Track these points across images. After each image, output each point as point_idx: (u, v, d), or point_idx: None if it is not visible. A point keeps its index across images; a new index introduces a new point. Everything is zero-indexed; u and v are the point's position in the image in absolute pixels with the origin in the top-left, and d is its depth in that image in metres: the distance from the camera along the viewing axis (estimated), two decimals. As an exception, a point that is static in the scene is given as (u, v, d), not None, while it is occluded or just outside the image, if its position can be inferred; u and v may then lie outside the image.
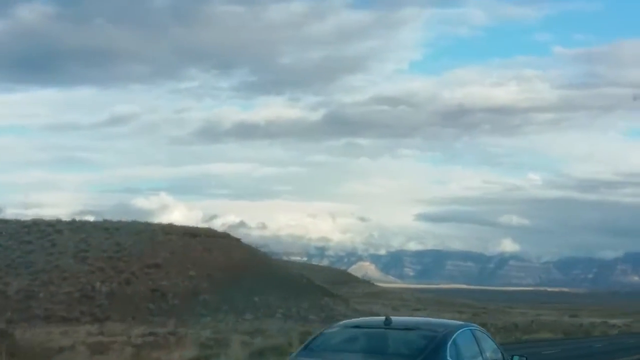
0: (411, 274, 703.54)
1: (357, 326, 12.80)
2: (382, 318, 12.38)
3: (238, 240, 77.13)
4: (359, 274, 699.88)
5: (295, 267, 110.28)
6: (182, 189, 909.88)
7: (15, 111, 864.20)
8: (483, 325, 69.43)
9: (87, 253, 64.54)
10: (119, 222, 72.17)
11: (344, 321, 13.48)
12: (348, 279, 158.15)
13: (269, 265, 74.04)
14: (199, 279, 64.62)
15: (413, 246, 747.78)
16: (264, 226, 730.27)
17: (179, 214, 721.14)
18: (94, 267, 62.93)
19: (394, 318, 12.44)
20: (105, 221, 71.98)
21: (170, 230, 71.07)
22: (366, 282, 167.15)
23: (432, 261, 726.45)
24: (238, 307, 62.51)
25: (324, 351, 11.74)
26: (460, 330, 12.21)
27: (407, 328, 12.48)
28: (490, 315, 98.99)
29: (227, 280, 65.94)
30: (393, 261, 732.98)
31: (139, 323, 55.64)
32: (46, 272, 61.54)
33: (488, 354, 12.52)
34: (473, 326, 12.87)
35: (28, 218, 73.34)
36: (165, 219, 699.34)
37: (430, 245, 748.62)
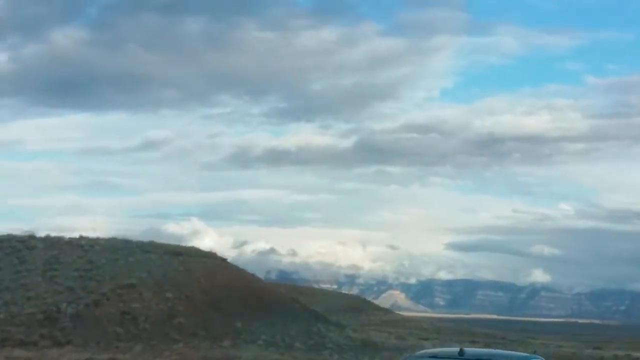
0: (441, 303, 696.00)
1: (434, 356, 13.98)
2: (457, 349, 13.69)
3: (224, 260, 72.37)
4: (388, 303, 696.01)
5: (294, 292, 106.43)
6: (212, 214, 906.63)
7: (49, 135, 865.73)
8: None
9: (57, 272, 60.17)
10: (97, 239, 67.68)
11: (421, 351, 14.78)
12: (366, 307, 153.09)
13: (257, 289, 68.97)
14: (175, 301, 59.90)
15: (443, 275, 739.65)
16: (294, 253, 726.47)
17: (210, 239, 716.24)
18: (62, 287, 58.58)
19: (467, 349, 13.72)
20: (81, 237, 67.47)
21: (149, 248, 66.36)
22: (386, 310, 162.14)
23: (462, 290, 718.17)
24: (216, 333, 57.86)
25: None
26: None
27: (479, 359, 13.94)
28: (508, 345, 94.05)
29: (208, 303, 61.33)
30: (423, 290, 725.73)
31: (103, 349, 51.30)
32: (10, 291, 57.39)
33: None
34: (538, 357, 14.42)
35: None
36: (196, 244, 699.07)
37: (460, 274, 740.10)
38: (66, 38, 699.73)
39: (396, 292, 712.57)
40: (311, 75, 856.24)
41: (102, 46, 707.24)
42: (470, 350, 13.92)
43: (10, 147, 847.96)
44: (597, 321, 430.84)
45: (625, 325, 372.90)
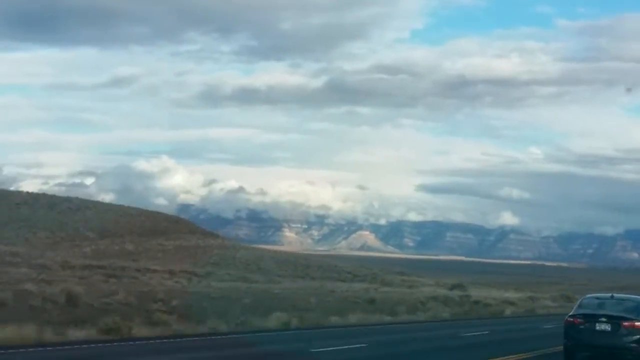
0: (411, 244, 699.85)
1: (597, 297, 28.92)
2: (610, 294, 28.67)
3: None
4: (358, 243, 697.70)
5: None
6: (183, 152, 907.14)
7: (17, 70, 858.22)
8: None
9: None
10: None
11: (591, 295, 30.08)
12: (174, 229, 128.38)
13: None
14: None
15: (413, 217, 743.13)
16: (263, 192, 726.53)
17: (180, 177, 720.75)
18: None
19: (616, 295, 28.97)
20: None
21: None
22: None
23: (431, 232, 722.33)
24: None
25: (587, 307, 27.42)
26: None
27: (622, 299, 28.56)
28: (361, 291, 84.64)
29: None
30: (393, 231, 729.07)
31: None
32: None
33: None
34: None
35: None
36: (166, 182, 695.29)
37: (430, 216, 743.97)
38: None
39: (366, 233, 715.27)
40: (281, 13, 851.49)
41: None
42: (618, 295, 28.88)
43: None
44: (564, 264, 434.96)
45: (591, 267, 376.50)
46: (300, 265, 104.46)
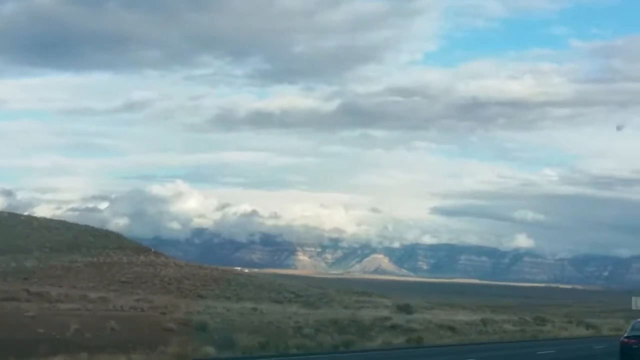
0: (425, 267, 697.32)
1: None
2: None
3: None
4: (372, 267, 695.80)
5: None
6: (197, 176, 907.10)
7: (32, 95, 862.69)
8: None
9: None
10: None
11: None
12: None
13: None
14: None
15: (427, 239, 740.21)
16: (276, 215, 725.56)
17: (195, 201, 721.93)
18: None
19: None
20: None
21: None
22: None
23: (446, 255, 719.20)
24: None
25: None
26: None
27: None
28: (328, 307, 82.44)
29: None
30: (407, 254, 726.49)
31: None
32: None
33: None
34: None
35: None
36: (180, 206, 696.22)
37: (444, 239, 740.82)
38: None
39: (380, 256, 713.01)
40: (293, 36, 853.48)
41: (81, 4, 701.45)
42: None
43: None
44: (579, 286, 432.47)
45: (606, 290, 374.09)
46: (238, 283, 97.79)
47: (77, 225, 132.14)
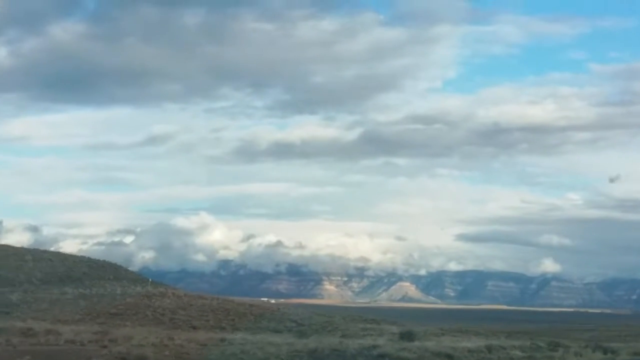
0: (452, 294, 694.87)
1: None
2: None
3: None
4: (399, 295, 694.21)
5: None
6: (221, 208, 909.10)
7: (54, 131, 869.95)
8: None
9: None
10: None
11: None
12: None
13: None
14: None
15: (453, 266, 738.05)
16: (301, 245, 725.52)
17: (219, 233, 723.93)
18: None
19: None
20: None
21: None
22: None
23: (472, 281, 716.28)
24: None
25: None
26: None
27: None
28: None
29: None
30: (434, 282, 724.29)
31: None
32: None
33: None
34: None
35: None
36: (206, 238, 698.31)
37: (470, 265, 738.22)
38: (65, 32, 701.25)
39: (406, 284, 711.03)
40: (312, 66, 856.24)
41: (101, 40, 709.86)
42: None
43: (16, 143, 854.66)
44: (608, 310, 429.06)
45: (636, 314, 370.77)
46: (236, 313, 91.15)
47: (72, 256, 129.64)
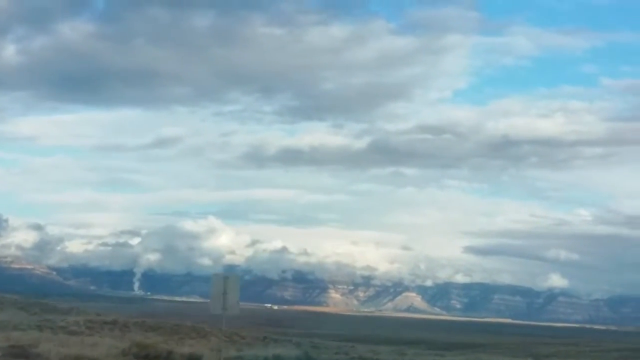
0: (458, 306, 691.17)
1: None
2: None
3: None
4: (405, 305, 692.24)
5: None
6: (229, 213, 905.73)
7: (63, 131, 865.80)
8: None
9: None
10: None
11: None
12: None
13: None
14: None
15: (460, 278, 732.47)
16: (306, 252, 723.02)
17: (226, 238, 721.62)
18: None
19: None
20: None
21: None
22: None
23: (479, 294, 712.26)
24: None
25: None
26: None
27: None
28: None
29: None
30: (440, 293, 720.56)
31: None
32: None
33: None
34: None
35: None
36: (212, 242, 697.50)
37: (477, 278, 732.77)
38: (74, 31, 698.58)
39: (412, 295, 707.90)
40: (322, 73, 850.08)
41: (110, 40, 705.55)
42: None
43: (24, 142, 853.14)
44: (613, 327, 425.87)
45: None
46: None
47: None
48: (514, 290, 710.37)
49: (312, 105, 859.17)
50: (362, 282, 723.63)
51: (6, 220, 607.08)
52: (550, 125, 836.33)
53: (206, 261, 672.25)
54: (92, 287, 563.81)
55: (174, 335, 63.45)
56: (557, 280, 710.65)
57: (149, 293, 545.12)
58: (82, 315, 78.32)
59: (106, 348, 41.25)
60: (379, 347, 77.55)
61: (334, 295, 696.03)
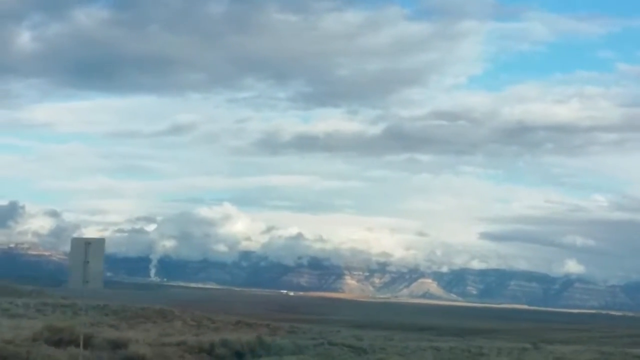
0: (474, 292, 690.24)
1: None
2: None
3: None
4: (421, 291, 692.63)
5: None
6: (244, 199, 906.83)
7: (79, 118, 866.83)
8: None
9: None
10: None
11: None
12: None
13: None
14: None
15: (476, 264, 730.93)
16: (322, 239, 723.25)
17: (242, 224, 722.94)
18: None
19: None
20: None
21: None
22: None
23: (495, 280, 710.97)
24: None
25: None
26: None
27: None
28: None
29: None
30: (456, 279, 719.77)
31: None
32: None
33: None
34: None
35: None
36: (228, 229, 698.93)
37: (493, 264, 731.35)
38: (89, 18, 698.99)
39: (428, 281, 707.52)
40: (336, 59, 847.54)
41: (124, 27, 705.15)
42: None
43: (40, 129, 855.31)
44: (630, 313, 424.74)
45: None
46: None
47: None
48: (530, 276, 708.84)
49: (327, 92, 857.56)
50: (378, 269, 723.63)
51: (22, 207, 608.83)
52: (566, 111, 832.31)
53: (222, 247, 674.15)
54: (109, 274, 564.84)
55: (132, 320, 61.05)
56: (573, 267, 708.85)
57: (165, 279, 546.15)
58: (41, 298, 77.93)
59: (30, 332, 39.74)
60: (375, 332, 76.28)
61: (350, 281, 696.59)
